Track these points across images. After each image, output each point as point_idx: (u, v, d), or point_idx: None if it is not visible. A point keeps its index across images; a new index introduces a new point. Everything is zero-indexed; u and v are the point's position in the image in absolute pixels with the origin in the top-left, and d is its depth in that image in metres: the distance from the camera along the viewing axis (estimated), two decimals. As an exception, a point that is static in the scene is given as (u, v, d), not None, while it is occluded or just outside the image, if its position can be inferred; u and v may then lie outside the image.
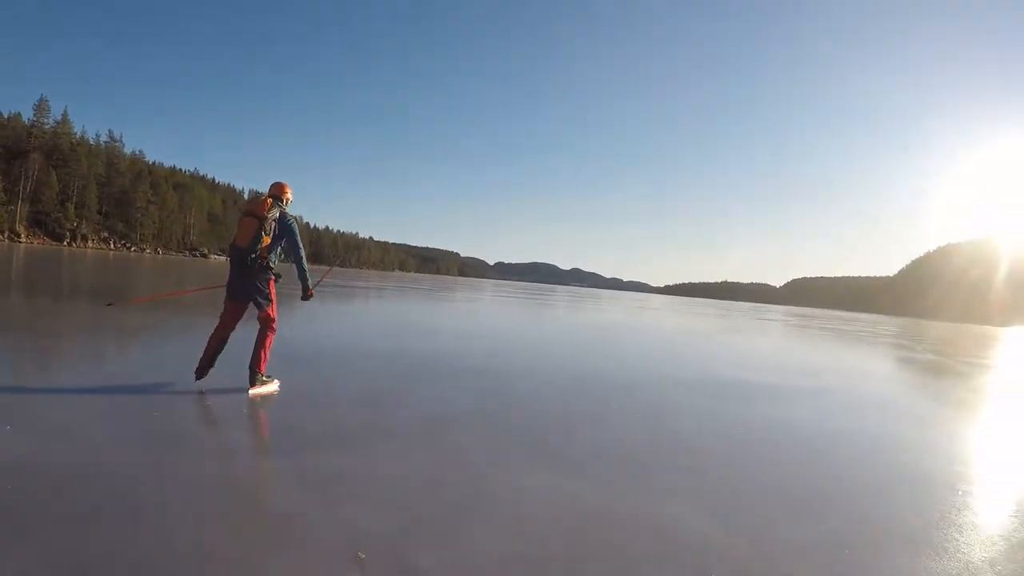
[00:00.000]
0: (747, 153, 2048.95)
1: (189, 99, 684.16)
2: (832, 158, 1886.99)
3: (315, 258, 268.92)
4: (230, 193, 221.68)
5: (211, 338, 8.01)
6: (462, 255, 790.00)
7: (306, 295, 8.57)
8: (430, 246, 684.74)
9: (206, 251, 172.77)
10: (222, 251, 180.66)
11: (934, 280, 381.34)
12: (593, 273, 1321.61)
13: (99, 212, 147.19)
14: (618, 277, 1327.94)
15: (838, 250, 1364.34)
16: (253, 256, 7.73)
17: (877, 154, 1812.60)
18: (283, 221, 7.96)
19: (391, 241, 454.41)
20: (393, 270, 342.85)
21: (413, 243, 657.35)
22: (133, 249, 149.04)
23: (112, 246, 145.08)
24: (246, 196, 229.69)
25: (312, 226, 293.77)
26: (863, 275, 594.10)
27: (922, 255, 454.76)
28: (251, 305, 8.10)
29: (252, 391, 7.82)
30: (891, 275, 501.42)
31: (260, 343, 8.01)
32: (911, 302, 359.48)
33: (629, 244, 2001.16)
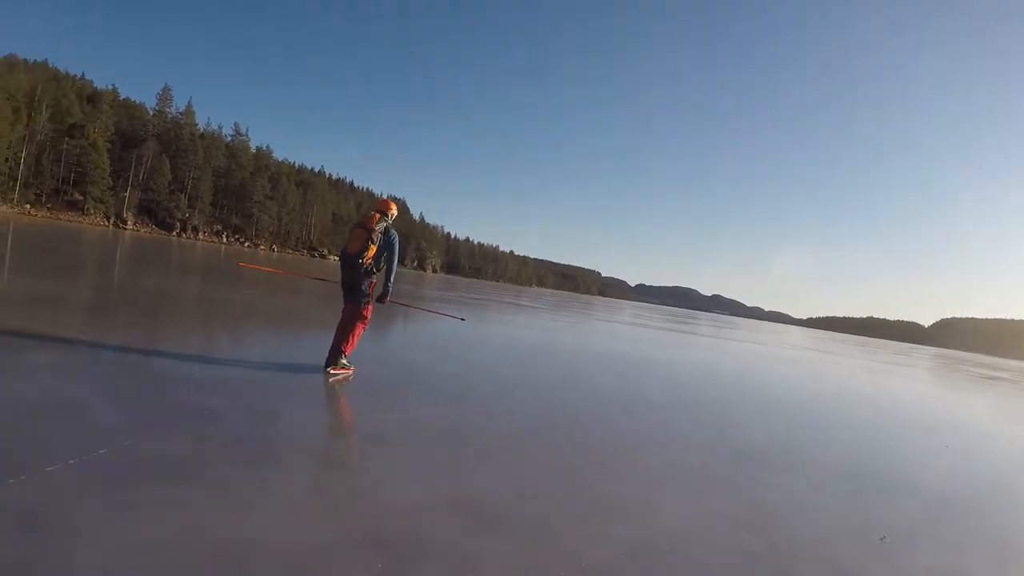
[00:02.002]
0: (902, 191, 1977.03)
1: (331, 99, 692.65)
2: (992, 189, 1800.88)
3: (451, 267, 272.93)
4: (367, 197, 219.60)
5: (337, 331, 9.30)
6: (603, 274, 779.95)
7: (383, 299, 9.41)
8: (572, 263, 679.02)
9: (326, 251, 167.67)
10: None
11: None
12: (734, 301, 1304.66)
13: (213, 204, 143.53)
14: (759, 307, 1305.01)
15: (998, 292, 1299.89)
16: (360, 261, 9.02)
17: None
18: (387, 235, 9.22)
19: (532, 256, 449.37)
20: (531, 285, 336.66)
21: (555, 259, 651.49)
22: (247, 244, 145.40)
23: (224, 239, 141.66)
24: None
25: (452, 236, 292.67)
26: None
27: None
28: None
29: (331, 370, 9.00)
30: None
31: (351, 330, 9.17)
32: None
33: (772, 275, 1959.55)
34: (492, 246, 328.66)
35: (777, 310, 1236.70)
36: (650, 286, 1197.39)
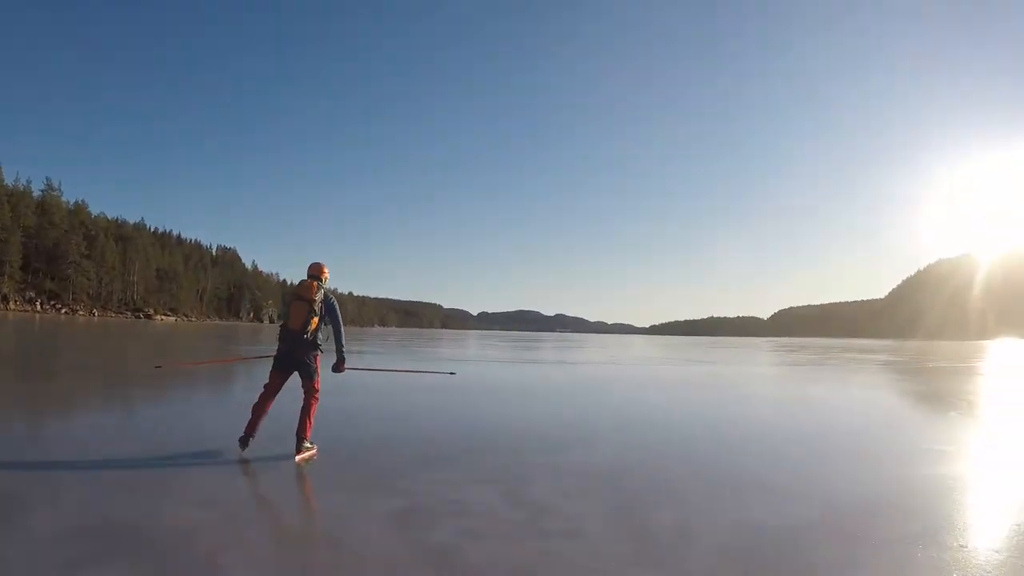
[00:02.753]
0: (726, 187, 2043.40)
1: (149, 153, 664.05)
2: (810, 185, 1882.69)
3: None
4: (195, 250, 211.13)
5: (255, 407, 8.88)
6: (445, 307, 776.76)
7: (338, 368, 9.44)
8: (412, 299, 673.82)
9: (151, 311, 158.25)
10: (172, 311, 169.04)
11: (925, 299, 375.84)
12: (577, 318, 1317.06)
13: (24, 269, 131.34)
14: (603, 320, 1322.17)
15: (823, 277, 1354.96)
16: (305, 336, 8.85)
17: (854, 176, 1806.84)
18: (327, 302, 9.11)
19: (371, 295, 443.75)
20: (373, 325, 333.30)
21: (395, 296, 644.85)
22: (64, 311, 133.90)
23: (39, 307, 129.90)
24: (214, 253, 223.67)
25: (288, 282, 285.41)
26: (851, 300, 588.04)
27: (912, 274, 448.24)
28: (293, 376, 9.11)
29: (298, 457, 8.60)
30: (881, 297, 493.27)
31: (306, 412, 8.86)
32: (903, 324, 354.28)
33: (612, 287, 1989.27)
34: (333, 288, 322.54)
35: (621, 322, 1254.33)
36: (492, 313, 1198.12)
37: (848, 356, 56.49)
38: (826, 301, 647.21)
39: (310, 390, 8.90)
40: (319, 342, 8.97)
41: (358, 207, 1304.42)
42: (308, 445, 8.74)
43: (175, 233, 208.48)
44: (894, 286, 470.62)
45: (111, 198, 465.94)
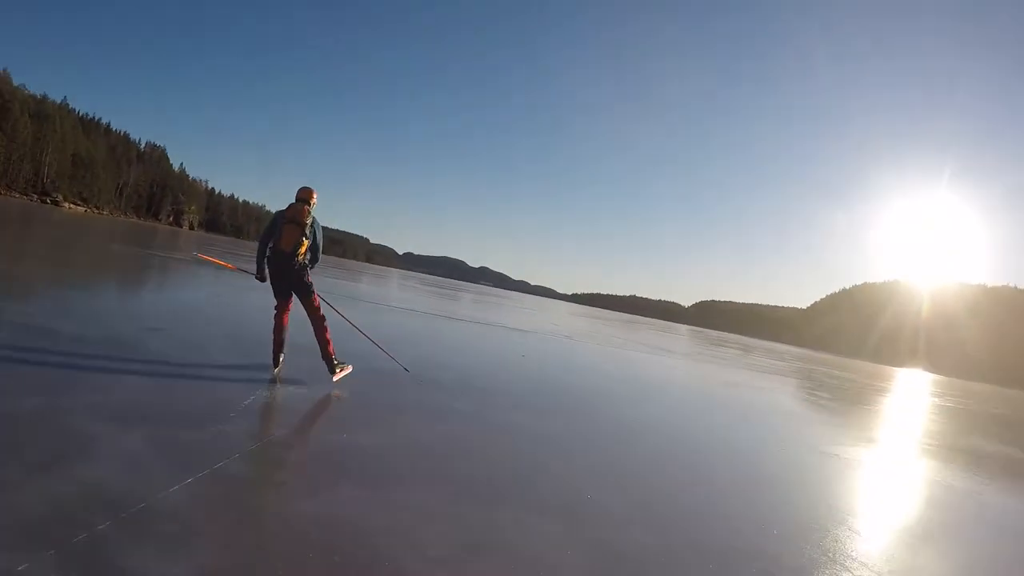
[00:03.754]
0: (670, 173, 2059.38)
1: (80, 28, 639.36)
2: (752, 188, 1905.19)
3: (210, 224, 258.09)
4: (121, 141, 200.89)
5: (275, 330, 9.42)
6: (372, 240, 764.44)
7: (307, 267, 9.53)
8: (339, 228, 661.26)
9: (59, 198, 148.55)
10: (83, 201, 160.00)
11: (844, 317, 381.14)
12: (501, 274, 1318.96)
13: None
14: (525, 280, 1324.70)
15: (749, 279, 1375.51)
16: (296, 257, 9.13)
17: (795, 192, 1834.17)
18: (315, 227, 9.36)
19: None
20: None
21: (323, 222, 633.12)
22: None
23: None
24: (141, 148, 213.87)
25: (215, 191, 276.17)
26: (773, 304, 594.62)
27: (836, 291, 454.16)
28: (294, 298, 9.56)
29: (335, 377, 9.47)
30: (802, 307, 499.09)
31: (321, 336, 9.42)
32: (818, 335, 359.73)
33: (538, 248, 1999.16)
34: (258, 204, 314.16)
35: (543, 284, 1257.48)
36: (418, 255, 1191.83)
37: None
38: (748, 301, 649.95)
39: (313, 310, 9.39)
40: (306, 263, 9.28)
41: (300, 126, 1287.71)
42: (338, 361, 9.50)
43: (104, 121, 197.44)
44: (817, 299, 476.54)
45: (41, 73, 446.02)
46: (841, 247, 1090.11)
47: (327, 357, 9.37)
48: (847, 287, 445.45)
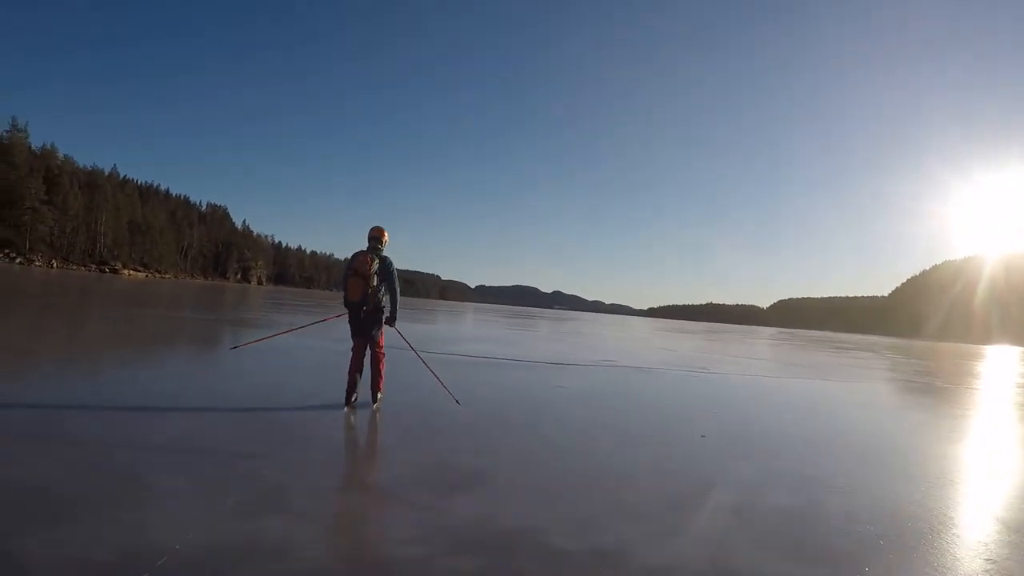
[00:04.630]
0: (730, 174, 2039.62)
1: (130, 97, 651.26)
2: (820, 181, 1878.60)
3: (279, 278, 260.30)
4: (182, 205, 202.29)
5: (350, 371, 9.97)
6: (443, 277, 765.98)
7: (390, 323, 10.13)
8: (410, 268, 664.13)
9: (119, 266, 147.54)
10: (143, 267, 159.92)
11: (928, 300, 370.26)
12: (574, 296, 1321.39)
13: None
14: (600, 300, 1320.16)
15: (826, 271, 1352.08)
16: (364, 307, 9.75)
17: (864, 177, 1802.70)
18: (384, 268, 9.90)
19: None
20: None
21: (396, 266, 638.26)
22: (18, 260, 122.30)
23: None
24: (203, 210, 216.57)
25: (282, 244, 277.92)
26: (853, 295, 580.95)
27: (917, 274, 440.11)
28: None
29: (375, 406, 9.98)
30: (883, 295, 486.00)
31: (376, 369, 10.03)
32: (904, 322, 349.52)
33: (610, 269, 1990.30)
34: (326, 254, 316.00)
35: (618, 302, 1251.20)
36: (490, 287, 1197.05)
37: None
38: (825, 295, 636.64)
39: (375, 349, 9.97)
40: (381, 307, 9.87)
41: (360, 173, 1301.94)
42: (380, 395, 10.08)
43: (163, 187, 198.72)
44: (897, 285, 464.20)
45: (89, 144, 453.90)
46: (913, 227, 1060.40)
47: (376, 388, 9.97)
48: (927, 268, 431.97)
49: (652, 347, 36.16)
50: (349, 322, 9.94)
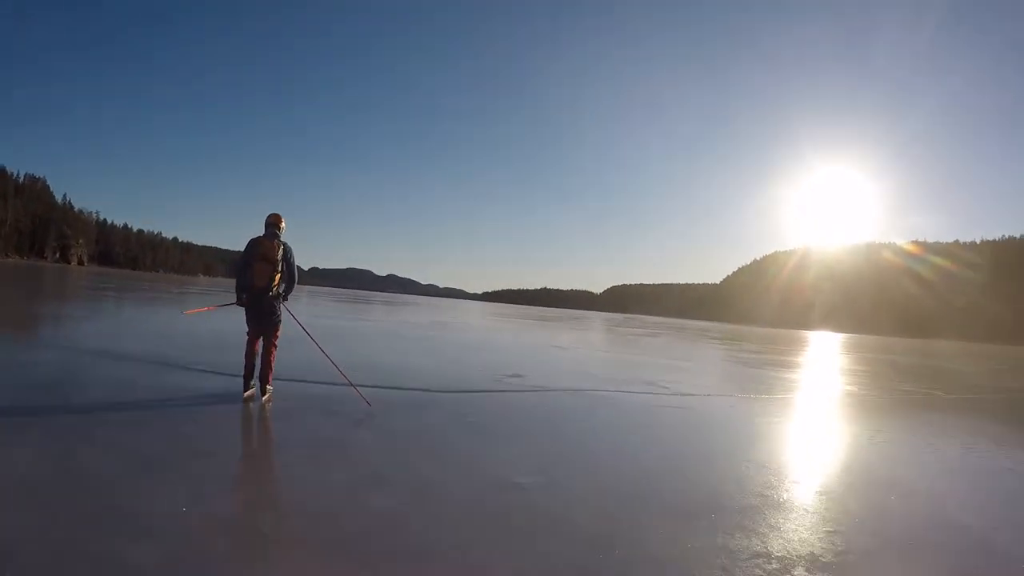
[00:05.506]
0: (567, 161, 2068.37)
1: None
2: (659, 171, 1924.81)
3: (103, 258, 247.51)
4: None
5: (247, 356, 9.80)
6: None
7: (284, 299, 10.03)
8: (240, 248, 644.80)
9: None
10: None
11: (756, 287, 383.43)
12: (409, 279, 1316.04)
13: None
14: (434, 283, 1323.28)
15: (662, 261, 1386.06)
16: (269, 293, 9.67)
17: (698, 170, 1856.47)
18: (287, 257, 9.89)
19: (197, 242, 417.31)
20: (197, 275, 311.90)
21: (223, 246, 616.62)
22: None
23: None
24: (21, 181, 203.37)
25: (107, 222, 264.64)
26: (686, 282, 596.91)
27: (748, 263, 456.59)
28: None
29: (264, 398, 9.77)
30: (716, 282, 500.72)
31: (267, 361, 9.92)
32: (734, 308, 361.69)
33: (444, 251, 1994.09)
34: (154, 232, 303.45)
35: (452, 286, 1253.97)
36: (323, 269, 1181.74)
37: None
38: (658, 282, 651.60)
39: (271, 340, 9.88)
40: (280, 293, 9.79)
41: (191, 146, 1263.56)
42: (269, 388, 9.86)
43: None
44: (729, 273, 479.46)
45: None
46: (753, 220, 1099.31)
47: (264, 380, 9.79)
48: (758, 258, 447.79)
49: (535, 344, 32.59)
50: (247, 310, 9.76)
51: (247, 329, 9.79)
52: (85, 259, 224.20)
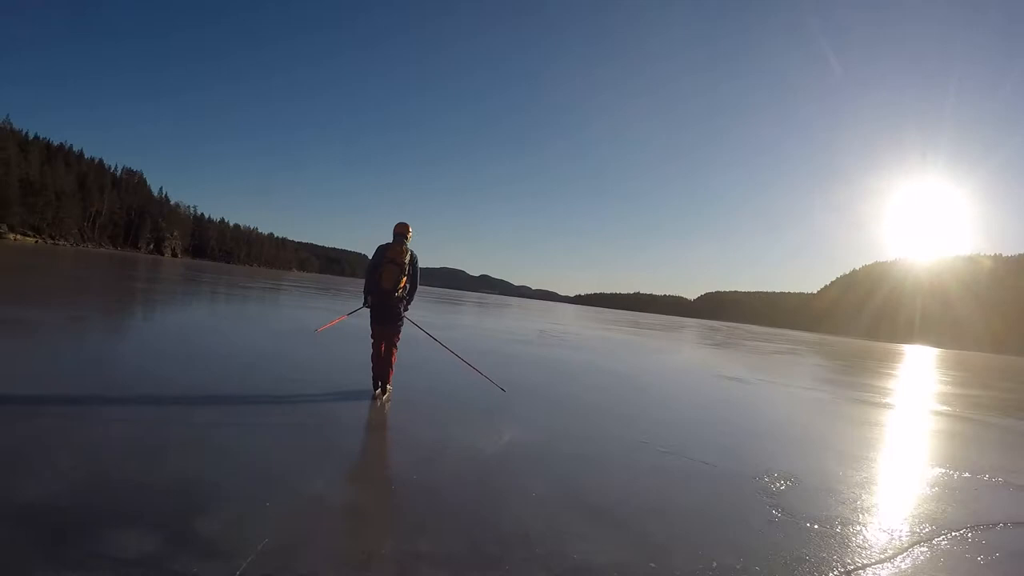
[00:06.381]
0: (667, 170, 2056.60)
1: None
2: (753, 182, 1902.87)
3: (197, 251, 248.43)
4: (94, 168, 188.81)
5: (373, 358, 10.35)
6: (369, 257, 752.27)
7: (406, 307, 10.55)
8: (336, 246, 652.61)
9: (3, 229, 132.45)
10: (34, 231, 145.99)
11: (854, 299, 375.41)
12: (502, 280, 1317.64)
13: None
14: (527, 285, 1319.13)
15: (755, 270, 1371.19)
16: (397, 294, 10.14)
17: (796, 183, 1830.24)
18: (413, 262, 10.33)
19: (292, 238, 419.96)
20: (291, 269, 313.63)
21: (318, 242, 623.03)
22: None
23: None
24: (118, 174, 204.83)
25: (204, 216, 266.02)
26: (781, 291, 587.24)
27: (846, 273, 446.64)
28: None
29: (384, 397, 10.21)
30: (812, 292, 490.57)
31: (389, 361, 10.35)
32: (830, 320, 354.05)
33: (539, 253, 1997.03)
34: (249, 227, 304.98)
35: (544, 288, 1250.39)
36: (421, 267, 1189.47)
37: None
38: (762, 289, 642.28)
39: (393, 342, 10.32)
40: (405, 296, 10.34)
41: (288, 146, 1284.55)
42: (389, 387, 10.37)
43: (75, 148, 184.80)
44: (826, 283, 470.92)
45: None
46: (850, 230, 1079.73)
47: (385, 378, 10.25)
48: (856, 268, 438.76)
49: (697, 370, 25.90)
50: (372, 311, 10.22)
51: (371, 332, 10.24)
52: (179, 251, 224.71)
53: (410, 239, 10.39)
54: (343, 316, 13.67)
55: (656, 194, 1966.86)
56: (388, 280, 9.95)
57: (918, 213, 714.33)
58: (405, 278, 10.09)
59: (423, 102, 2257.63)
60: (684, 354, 35.22)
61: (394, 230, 10.41)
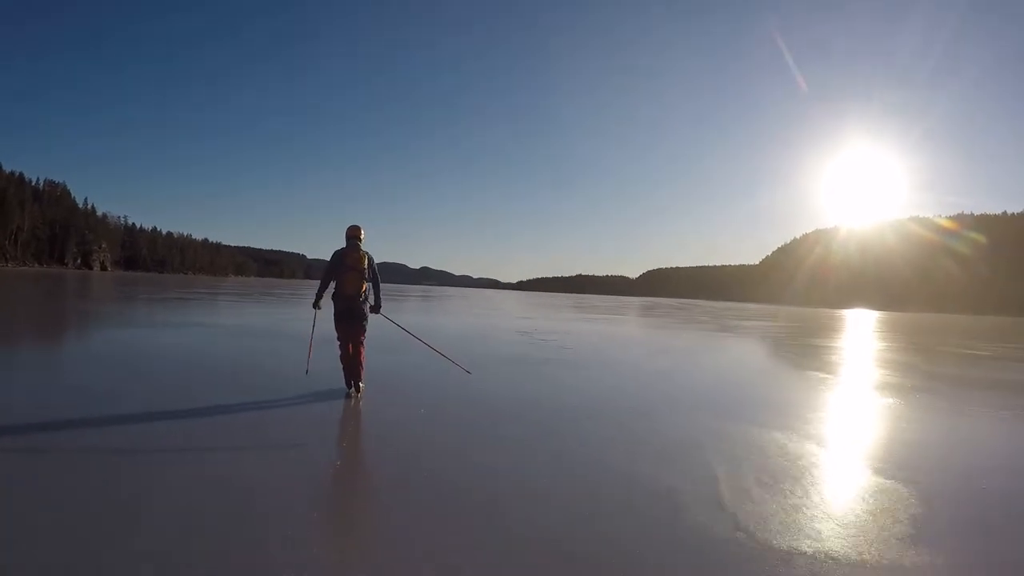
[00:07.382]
0: (607, 149, 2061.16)
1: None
2: (694, 156, 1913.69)
3: (129, 263, 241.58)
4: (12, 182, 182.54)
5: (342, 359, 10.52)
6: (309, 256, 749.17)
7: (376, 310, 10.78)
8: (274, 247, 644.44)
9: None
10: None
11: (793, 267, 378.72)
12: (443, 271, 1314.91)
13: None
14: (467, 274, 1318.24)
15: (696, 246, 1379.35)
16: (360, 299, 10.32)
17: (736, 154, 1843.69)
18: (371, 265, 10.52)
19: (227, 243, 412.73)
20: (227, 275, 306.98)
21: (255, 245, 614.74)
22: None
23: None
24: (41, 187, 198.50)
25: (136, 226, 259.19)
26: (723, 264, 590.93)
27: (787, 242, 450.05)
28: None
29: (358, 395, 10.42)
30: (755, 263, 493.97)
31: (359, 361, 10.50)
32: (771, 289, 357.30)
33: (478, 242, 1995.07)
34: (184, 235, 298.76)
35: (486, 276, 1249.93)
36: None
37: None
38: (704, 264, 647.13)
39: (359, 341, 10.45)
40: (367, 299, 10.51)
41: (219, 147, 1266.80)
42: (362, 385, 10.58)
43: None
44: (767, 253, 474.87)
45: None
46: (792, 200, 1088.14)
47: (357, 377, 10.44)
48: (797, 236, 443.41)
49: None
50: (337, 317, 10.33)
51: (336, 335, 10.43)
52: (109, 264, 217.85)
53: (363, 241, 10.65)
54: (310, 343, 12.96)
55: (592, 172, 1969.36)
56: (352, 287, 10.21)
57: (857, 178, 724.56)
58: (366, 282, 10.35)
59: (344, 99, 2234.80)
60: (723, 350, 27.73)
61: (347, 233, 10.65)
